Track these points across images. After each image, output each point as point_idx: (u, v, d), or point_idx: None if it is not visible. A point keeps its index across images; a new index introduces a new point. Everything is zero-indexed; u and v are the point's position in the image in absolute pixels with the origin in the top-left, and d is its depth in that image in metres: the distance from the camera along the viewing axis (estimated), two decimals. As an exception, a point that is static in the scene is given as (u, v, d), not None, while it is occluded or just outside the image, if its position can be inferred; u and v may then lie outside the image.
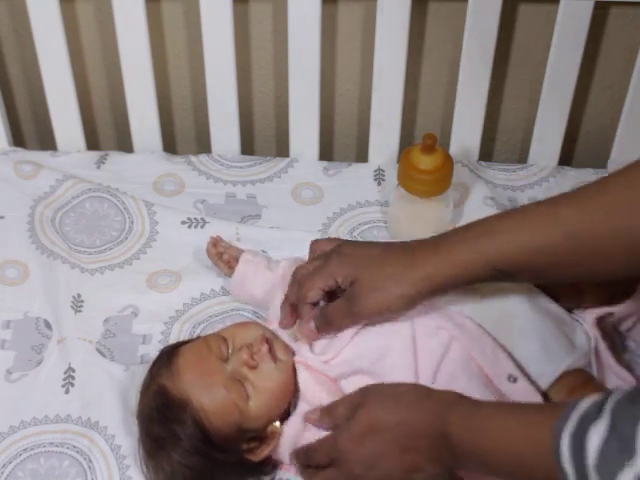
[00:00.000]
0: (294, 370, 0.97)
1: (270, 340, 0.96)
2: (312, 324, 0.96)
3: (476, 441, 0.78)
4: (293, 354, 0.98)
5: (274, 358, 0.95)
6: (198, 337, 1.04)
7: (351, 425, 0.88)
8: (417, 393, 0.87)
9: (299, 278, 0.98)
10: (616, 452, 0.63)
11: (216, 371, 0.93)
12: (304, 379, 0.96)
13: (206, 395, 0.92)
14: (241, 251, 1.15)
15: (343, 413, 0.90)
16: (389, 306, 0.92)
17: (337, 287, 0.95)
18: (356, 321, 0.95)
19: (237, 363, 0.94)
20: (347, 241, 1.02)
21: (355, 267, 0.94)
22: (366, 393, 0.90)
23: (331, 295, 0.97)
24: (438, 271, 0.90)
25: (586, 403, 0.69)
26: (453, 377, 0.94)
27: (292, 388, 0.96)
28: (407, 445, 0.84)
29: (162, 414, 0.93)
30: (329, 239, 1.05)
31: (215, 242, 1.16)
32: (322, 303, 0.98)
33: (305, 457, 0.92)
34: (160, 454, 0.92)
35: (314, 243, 1.04)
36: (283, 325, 1.00)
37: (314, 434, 0.93)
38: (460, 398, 0.84)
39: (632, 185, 0.81)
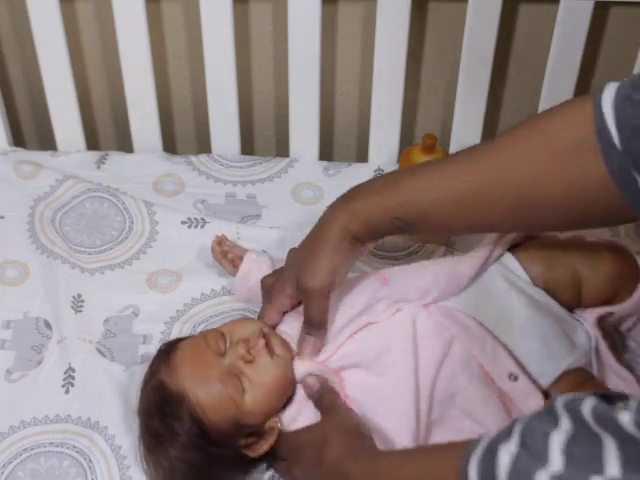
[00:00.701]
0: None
1: (267, 335, 0.96)
2: (310, 340, 0.97)
3: None
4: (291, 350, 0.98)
5: (271, 353, 0.95)
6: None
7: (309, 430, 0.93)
8: (335, 440, 0.89)
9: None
10: (529, 462, 0.63)
11: (213, 365, 0.93)
12: (303, 367, 0.96)
13: (202, 389, 0.92)
14: (245, 250, 1.15)
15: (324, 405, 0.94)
16: (332, 265, 0.94)
17: (294, 299, 0.99)
18: (325, 297, 0.95)
19: (234, 357, 0.94)
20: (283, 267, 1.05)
21: (291, 270, 0.98)
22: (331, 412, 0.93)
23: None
24: (349, 222, 0.93)
25: (493, 433, 0.69)
26: (454, 375, 0.94)
27: (290, 383, 0.96)
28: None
29: (160, 409, 0.93)
30: (273, 273, 1.07)
31: (220, 241, 1.16)
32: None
33: None
34: (159, 449, 0.93)
35: (262, 281, 1.06)
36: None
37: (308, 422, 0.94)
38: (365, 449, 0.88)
39: (516, 143, 0.85)
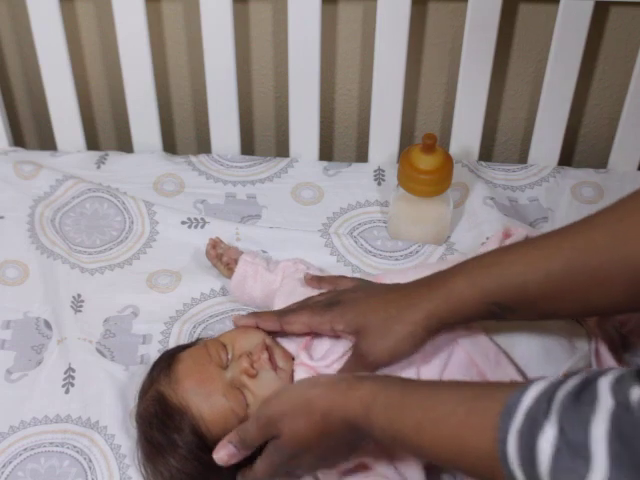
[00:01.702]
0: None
1: (270, 347, 0.96)
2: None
3: (404, 434, 0.76)
4: (292, 359, 0.98)
5: (274, 366, 0.95)
6: (198, 340, 1.04)
7: (279, 444, 0.86)
8: (321, 391, 0.84)
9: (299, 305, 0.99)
10: (570, 462, 0.60)
11: (215, 379, 0.93)
12: (304, 372, 0.95)
13: (205, 404, 0.92)
14: (240, 252, 1.15)
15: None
16: (399, 350, 0.90)
17: (333, 334, 0.95)
18: (374, 371, 0.92)
19: (237, 371, 0.93)
20: (348, 289, 0.99)
21: (357, 316, 0.93)
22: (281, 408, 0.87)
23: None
24: (437, 308, 0.88)
25: (530, 398, 0.66)
26: None
27: None
28: (322, 434, 0.82)
29: (161, 421, 0.92)
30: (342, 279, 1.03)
31: (214, 243, 1.16)
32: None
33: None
34: (158, 459, 0.92)
35: (336, 279, 1.03)
36: (240, 321, 0.99)
37: None
38: (380, 387, 0.81)
39: (629, 215, 0.80)
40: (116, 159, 1.35)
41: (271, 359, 0.94)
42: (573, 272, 0.82)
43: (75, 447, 1.00)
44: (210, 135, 1.37)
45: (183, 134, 1.49)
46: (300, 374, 0.95)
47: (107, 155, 1.36)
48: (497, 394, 0.69)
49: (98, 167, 1.34)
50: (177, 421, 0.91)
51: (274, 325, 0.98)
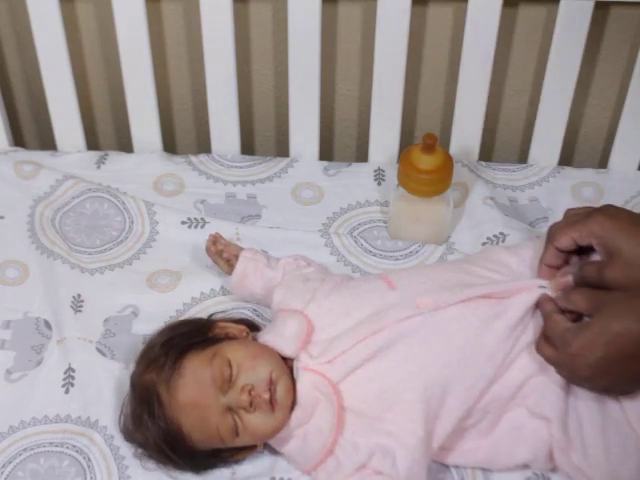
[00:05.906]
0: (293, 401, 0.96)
1: (274, 383, 0.95)
2: (569, 277, 0.95)
3: None
4: (291, 366, 0.97)
5: (273, 407, 0.94)
6: (211, 316, 1.07)
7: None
8: None
9: (553, 227, 0.99)
10: None
11: (212, 405, 0.94)
12: (302, 386, 0.96)
13: (197, 428, 0.94)
14: (240, 249, 1.14)
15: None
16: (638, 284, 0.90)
17: (590, 245, 0.95)
18: (601, 285, 0.92)
19: (235, 403, 0.93)
20: (611, 205, 0.99)
21: (615, 235, 0.93)
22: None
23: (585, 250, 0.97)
24: None
25: None
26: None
27: (284, 425, 0.95)
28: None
29: (152, 417, 0.94)
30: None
31: (215, 239, 1.16)
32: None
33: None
34: (138, 428, 0.97)
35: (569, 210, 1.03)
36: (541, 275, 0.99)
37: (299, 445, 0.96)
38: None
39: None
40: (116, 159, 1.35)
41: (272, 399, 0.94)
42: None
43: (75, 447, 1.00)
44: (210, 135, 1.37)
45: (183, 134, 1.49)
46: (304, 379, 0.96)
47: (107, 155, 1.36)
48: None
49: (98, 167, 1.34)
50: (165, 425, 0.94)
51: (553, 257, 0.98)
